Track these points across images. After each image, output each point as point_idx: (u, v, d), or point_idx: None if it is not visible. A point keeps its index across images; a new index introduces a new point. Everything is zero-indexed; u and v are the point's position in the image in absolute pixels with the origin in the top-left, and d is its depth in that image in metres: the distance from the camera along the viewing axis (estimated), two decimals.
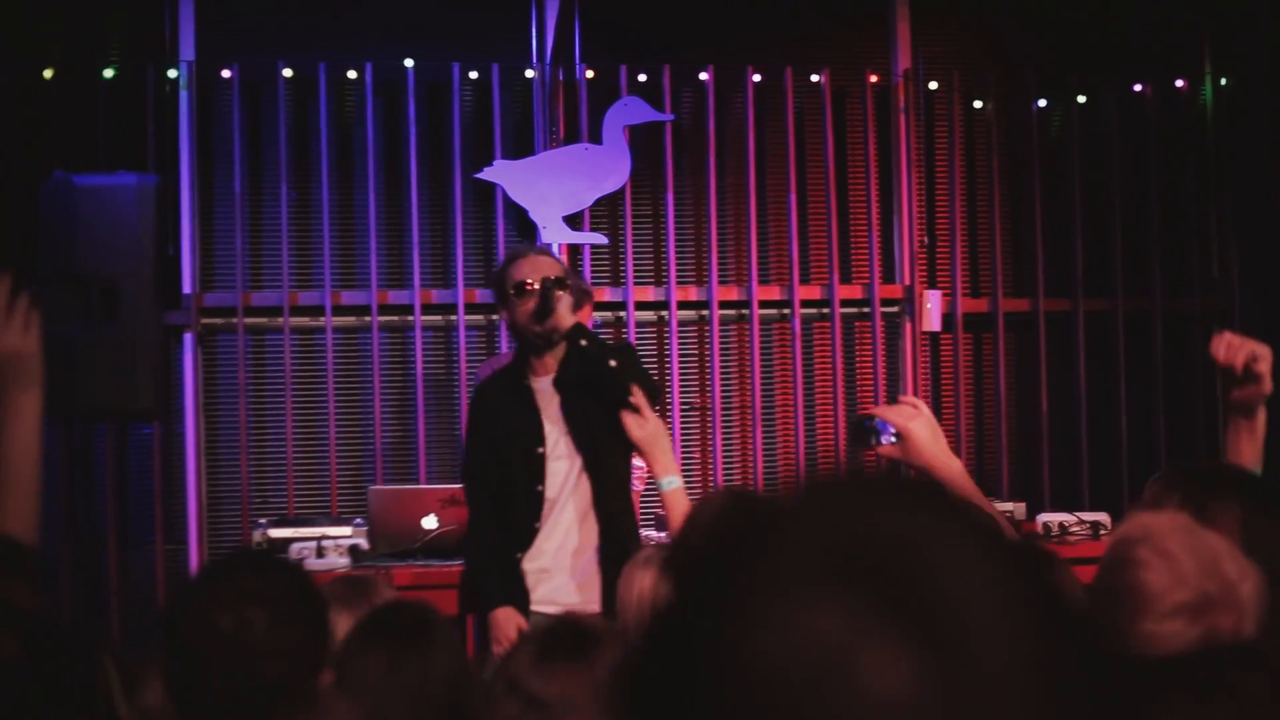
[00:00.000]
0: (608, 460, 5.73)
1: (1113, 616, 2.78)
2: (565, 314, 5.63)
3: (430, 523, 6.63)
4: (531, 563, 5.70)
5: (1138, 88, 8.83)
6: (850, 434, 3.45)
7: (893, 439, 3.46)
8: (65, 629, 2.93)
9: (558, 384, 5.72)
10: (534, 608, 5.61)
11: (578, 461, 5.71)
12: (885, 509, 1.02)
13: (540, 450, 5.69)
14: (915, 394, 8.60)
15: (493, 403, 5.83)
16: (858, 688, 0.94)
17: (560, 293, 5.63)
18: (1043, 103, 8.82)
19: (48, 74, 7.97)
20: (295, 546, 6.67)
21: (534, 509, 5.70)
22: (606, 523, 5.72)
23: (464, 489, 6.00)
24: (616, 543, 5.68)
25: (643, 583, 3.61)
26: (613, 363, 5.55)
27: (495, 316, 8.18)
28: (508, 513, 5.73)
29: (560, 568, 5.70)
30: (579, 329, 5.66)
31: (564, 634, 3.17)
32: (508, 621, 5.63)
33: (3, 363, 3.11)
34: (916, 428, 3.40)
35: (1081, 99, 8.81)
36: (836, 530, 1.01)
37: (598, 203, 8.35)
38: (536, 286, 5.65)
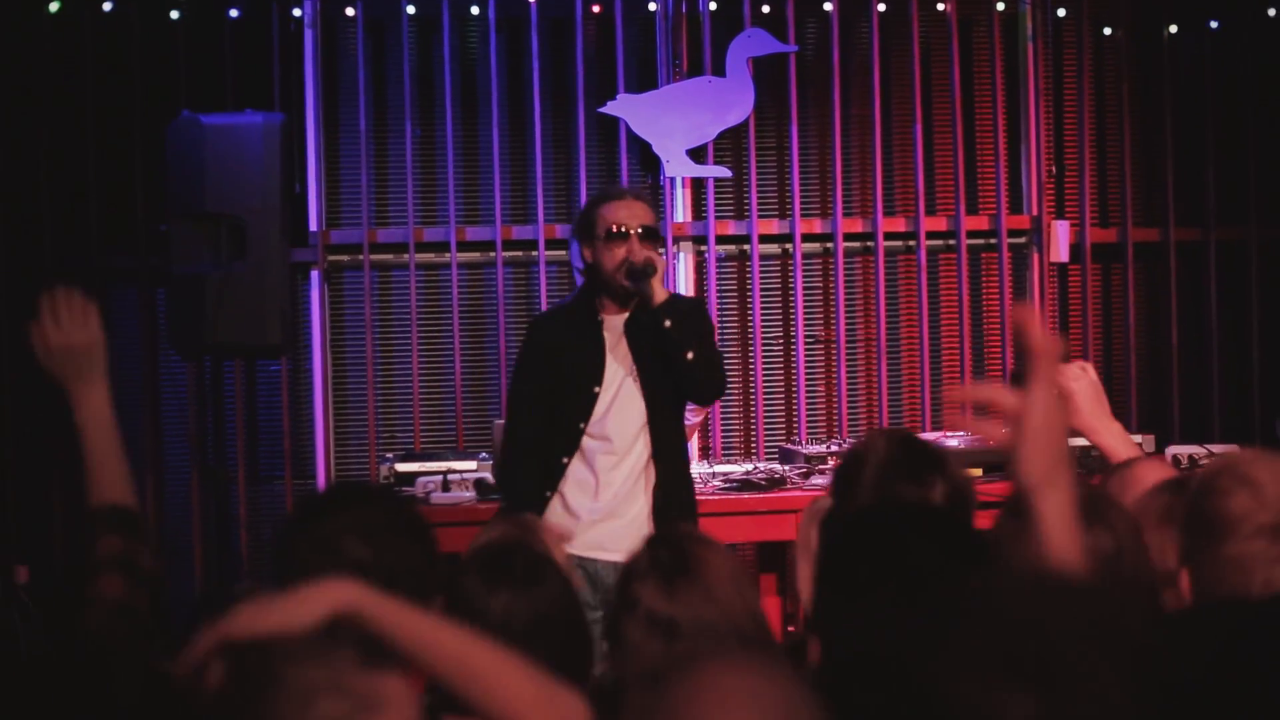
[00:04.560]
0: (666, 411, 5.71)
1: (1204, 543, 2.84)
2: (659, 290, 5.59)
3: None
4: (581, 505, 5.67)
5: (1271, 12, 8.64)
6: (1012, 384, 3.41)
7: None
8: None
9: (628, 327, 5.69)
10: (581, 553, 5.46)
11: (638, 408, 5.69)
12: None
13: (595, 390, 5.67)
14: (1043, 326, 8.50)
15: (555, 337, 5.79)
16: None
17: (658, 270, 5.59)
18: (1174, 29, 8.65)
19: (174, 15, 8.03)
20: (421, 480, 6.73)
21: (571, 443, 5.68)
22: (661, 473, 5.69)
23: (507, 422, 5.98)
24: (669, 494, 5.66)
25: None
26: (690, 355, 5.53)
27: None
28: (545, 448, 5.72)
29: (612, 515, 5.67)
30: (667, 308, 5.59)
31: (672, 554, 3.20)
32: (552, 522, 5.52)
33: (65, 358, 3.13)
34: (1080, 389, 3.36)
35: (1214, 24, 8.63)
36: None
37: (721, 136, 8.30)
38: (630, 233, 5.60)
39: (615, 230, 5.62)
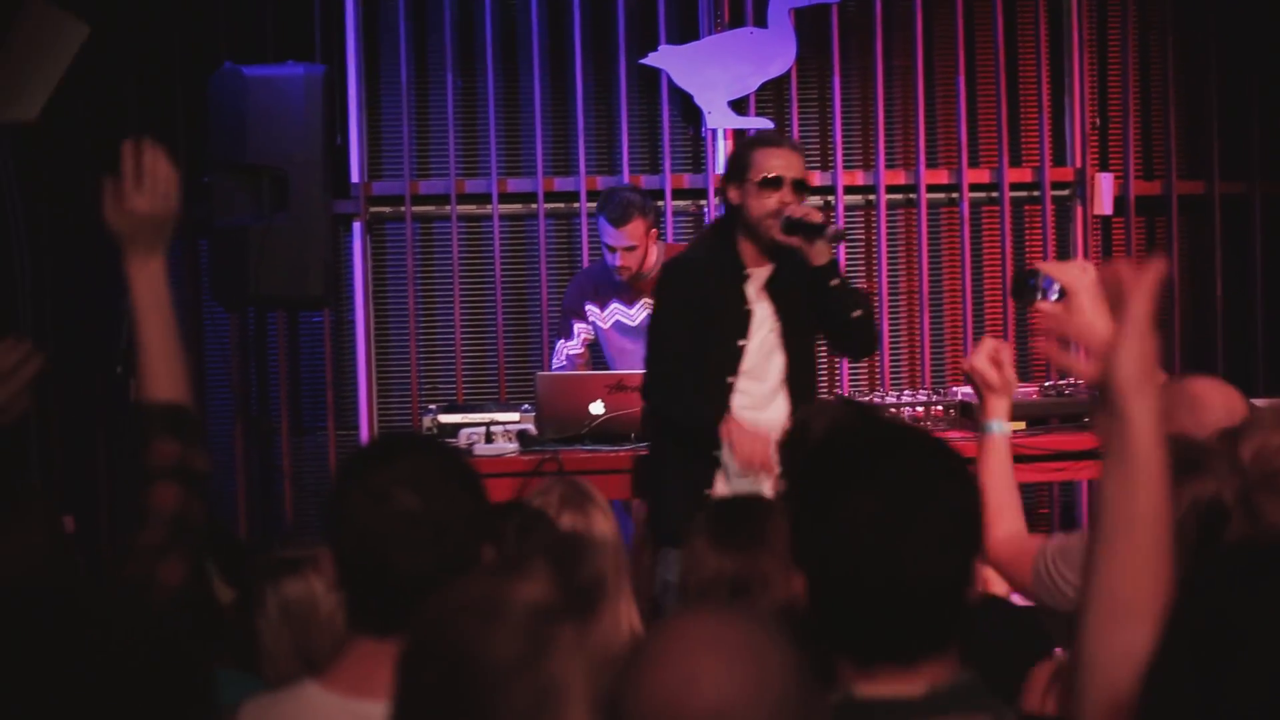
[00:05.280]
0: (805, 364, 5.64)
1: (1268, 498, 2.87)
2: (823, 250, 5.47)
3: (597, 408, 6.65)
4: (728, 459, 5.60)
5: None
6: (1013, 287, 3.44)
7: (1056, 298, 3.39)
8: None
9: (772, 281, 5.59)
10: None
11: (779, 361, 5.61)
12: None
13: (741, 343, 5.57)
14: None
15: (696, 285, 5.66)
16: None
17: (829, 226, 5.47)
18: None
19: None
20: (464, 432, 6.74)
21: (721, 400, 5.57)
22: None
23: (648, 374, 5.86)
24: None
25: None
26: (857, 314, 5.48)
27: (659, 202, 8.16)
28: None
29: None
30: (834, 267, 5.49)
31: (735, 513, 3.24)
32: (739, 424, 5.47)
33: (139, 226, 2.98)
34: (1085, 289, 3.35)
35: None
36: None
37: (763, 87, 8.28)
38: (784, 182, 5.49)
39: (770, 176, 5.51)
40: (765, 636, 1.90)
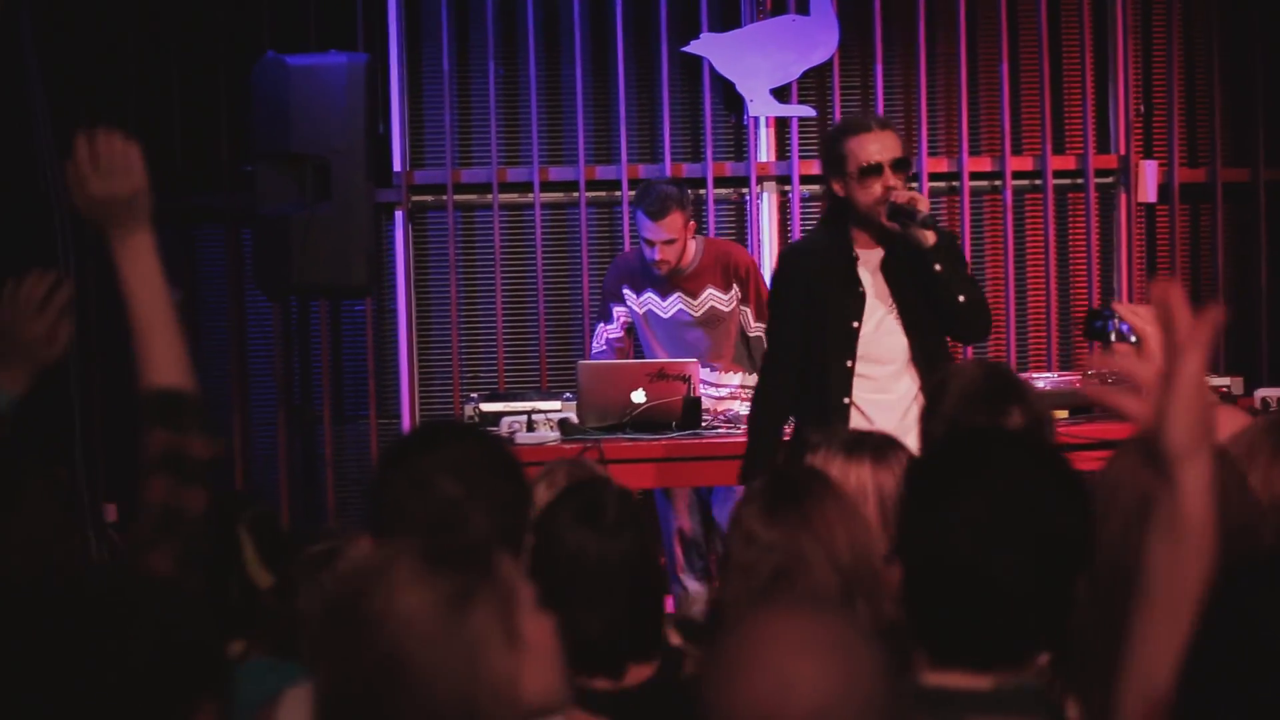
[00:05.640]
0: (930, 342, 5.54)
1: None
2: (927, 235, 5.38)
3: (639, 397, 6.65)
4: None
5: None
6: (1086, 326, 3.39)
7: (1131, 341, 3.32)
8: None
9: (886, 264, 5.52)
10: None
11: (900, 342, 5.52)
12: None
13: (856, 325, 5.49)
14: (1130, 268, 8.44)
15: (809, 271, 5.58)
16: None
17: (925, 210, 5.38)
18: None
19: None
20: (506, 420, 6.74)
21: (844, 384, 5.49)
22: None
23: (763, 358, 5.89)
24: None
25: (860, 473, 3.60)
26: (961, 299, 5.40)
27: (700, 191, 8.15)
28: (812, 387, 5.56)
29: None
30: (938, 251, 5.41)
31: (784, 484, 3.24)
32: None
33: (106, 208, 2.84)
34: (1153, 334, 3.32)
35: None
36: None
37: (805, 75, 8.27)
38: (884, 166, 5.39)
39: (868, 165, 5.41)
40: (854, 635, 1.90)
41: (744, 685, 1.85)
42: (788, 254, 5.95)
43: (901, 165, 5.46)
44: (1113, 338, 3.30)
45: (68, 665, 1.94)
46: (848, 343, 5.48)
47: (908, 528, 2.38)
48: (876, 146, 5.42)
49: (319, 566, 3.54)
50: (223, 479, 8.09)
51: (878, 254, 5.52)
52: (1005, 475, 2.34)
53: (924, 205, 5.40)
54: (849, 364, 5.48)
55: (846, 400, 5.48)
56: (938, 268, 5.38)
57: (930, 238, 5.39)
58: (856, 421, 5.44)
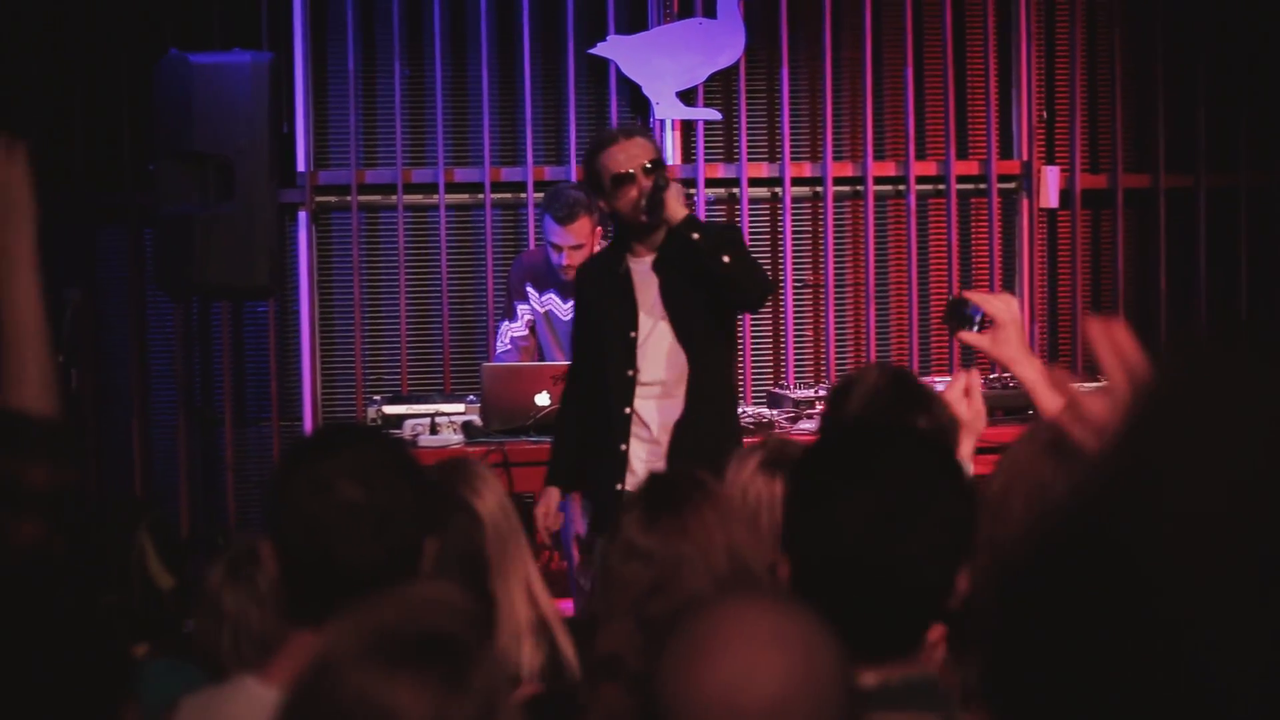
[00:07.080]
0: (707, 346, 5.65)
1: None
2: (676, 207, 5.49)
3: (543, 399, 6.64)
4: (638, 454, 5.61)
5: None
6: (946, 312, 3.48)
7: (977, 327, 3.47)
8: (94, 506, 2.76)
9: (658, 266, 5.61)
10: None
11: (674, 348, 5.60)
12: None
13: (633, 335, 5.60)
14: (1031, 272, 8.51)
15: (589, 285, 5.78)
16: None
17: (670, 184, 5.52)
18: None
19: None
20: (409, 423, 6.72)
21: (625, 394, 5.61)
22: (706, 412, 5.63)
23: (567, 370, 6.08)
24: (713, 431, 5.59)
25: (743, 473, 3.59)
26: (726, 259, 5.46)
27: None
28: (605, 398, 5.67)
29: (657, 456, 5.58)
30: (691, 222, 5.53)
31: (659, 491, 3.24)
32: (545, 499, 5.83)
33: None
34: (1010, 319, 3.38)
35: None
36: None
37: (711, 78, 8.27)
38: (635, 173, 5.52)
39: (619, 174, 5.52)
40: (812, 626, 1.89)
41: (702, 673, 1.84)
42: (579, 269, 6.10)
43: (652, 166, 5.56)
44: (977, 320, 3.41)
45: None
46: (627, 353, 5.62)
47: (796, 524, 2.38)
48: (624, 156, 5.55)
49: (217, 568, 3.52)
50: (122, 482, 8.02)
51: (648, 259, 5.64)
52: (893, 467, 2.36)
53: (670, 179, 5.59)
54: (630, 373, 5.62)
55: (628, 410, 5.62)
56: (695, 236, 5.47)
57: (679, 210, 5.49)
58: (636, 431, 5.61)
